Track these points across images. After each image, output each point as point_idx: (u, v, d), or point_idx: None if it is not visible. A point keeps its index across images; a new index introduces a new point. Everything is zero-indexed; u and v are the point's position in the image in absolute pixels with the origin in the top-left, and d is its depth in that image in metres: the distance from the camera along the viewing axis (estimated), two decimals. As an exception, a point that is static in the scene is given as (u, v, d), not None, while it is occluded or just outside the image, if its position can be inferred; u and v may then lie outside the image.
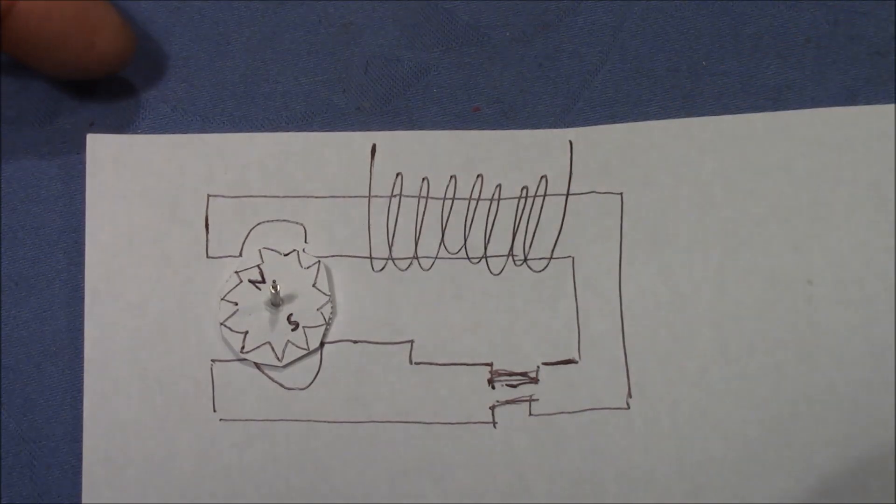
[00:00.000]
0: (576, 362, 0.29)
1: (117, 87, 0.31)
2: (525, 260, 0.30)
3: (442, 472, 0.29)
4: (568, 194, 0.30)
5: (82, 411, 0.29)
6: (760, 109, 0.30)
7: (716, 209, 0.30)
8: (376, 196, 0.30)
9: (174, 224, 0.30)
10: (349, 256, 0.30)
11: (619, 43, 0.31)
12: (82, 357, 0.29)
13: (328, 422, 0.29)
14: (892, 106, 0.30)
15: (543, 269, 0.30)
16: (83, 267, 0.29)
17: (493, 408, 0.29)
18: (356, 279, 0.30)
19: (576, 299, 0.30)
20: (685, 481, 0.29)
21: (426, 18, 0.31)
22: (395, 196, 0.30)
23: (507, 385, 0.29)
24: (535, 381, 0.29)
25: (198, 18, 0.31)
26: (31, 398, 0.29)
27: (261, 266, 0.29)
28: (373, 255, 0.30)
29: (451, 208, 0.30)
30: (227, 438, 0.29)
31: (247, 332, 0.29)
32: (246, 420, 0.29)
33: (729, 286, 0.29)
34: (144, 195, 0.30)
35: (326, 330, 0.29)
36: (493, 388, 0.29)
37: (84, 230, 0.30)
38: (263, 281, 0.29)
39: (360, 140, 0.30)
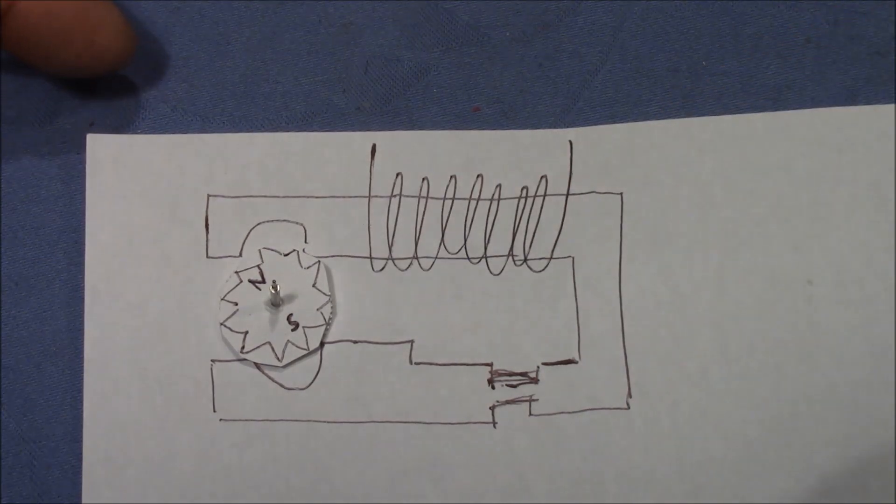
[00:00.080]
0: (576, 362, 0.29)
1: (117, 87, 0.31)
2: (525, 260, 0.30)
3: (442, 472, 0.29)
4: (568, 194, 0.30)
5: (82, 411, 0.29)
6: (760, 109, 0.30)
7: (716, 209, 0.30)
8: (376, 196, 0.30)
9: (174, 224, 0.30)
10: (349, 256, 0.30)
11: (619, 43, 0.31)
12: (82, 357, 0.29)
13: (328, 422, 0.29)
14: (892, 106, 0.30)
15: (543, 269, 0.30)
16: (83, 267, 0.29)
17: (493, 408, 0.29)
18: (356, 279, 0.30)
19: (576, 299, 0.30)
20: (685, 481, 0.29)
21: (426, 18, 0.31)
22: (395, 196, 0.30)
23: (507, 385, 0.29)
24: (535, 381, 0.29)
25: (198, 18, 0.31)
26: (31, 398, 0.29)
27: (261, 266, 0.29)
28: (373, 255, 0.30)
29: (451, 208, 0.30)
30: (227, 438, 0.29)
31: (247, 333, 0.29)
32: (246, 420, 0.29)
33: (729, 286, 0.29)
34: (144, 195, 0.30)
35: (326, 330, 0.29)
36: (493, 388, 0.29)
37: (84, 230, 0.30)
38: (263, 281, 0.29)
39: (360, 140, 0.30)
